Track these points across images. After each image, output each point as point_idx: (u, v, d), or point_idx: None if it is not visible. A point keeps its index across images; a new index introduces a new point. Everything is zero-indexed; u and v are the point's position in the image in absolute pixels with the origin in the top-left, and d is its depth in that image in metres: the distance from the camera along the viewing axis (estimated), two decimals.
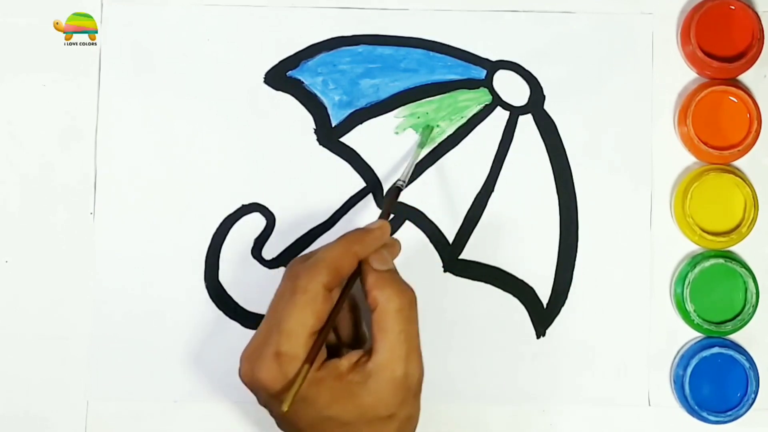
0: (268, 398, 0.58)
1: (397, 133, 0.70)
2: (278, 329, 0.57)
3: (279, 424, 0.60)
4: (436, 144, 0.70)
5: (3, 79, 0.70)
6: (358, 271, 0.60)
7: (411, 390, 0.58)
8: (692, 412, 0.67)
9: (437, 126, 0.70)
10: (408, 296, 0.59)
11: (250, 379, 0.58)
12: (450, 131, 0.70)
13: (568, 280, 0.69)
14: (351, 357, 0.58)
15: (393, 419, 0.58)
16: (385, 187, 0.70)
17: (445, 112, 0.70)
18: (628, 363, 0.69)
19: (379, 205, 0.70)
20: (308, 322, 0.57)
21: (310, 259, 0.59)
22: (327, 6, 0.71)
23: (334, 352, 0.59)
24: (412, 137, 0.70)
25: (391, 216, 0.66)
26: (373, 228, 0.62)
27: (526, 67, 0.71)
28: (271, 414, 0.59)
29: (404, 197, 0.70)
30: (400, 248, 0.64)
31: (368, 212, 0.69)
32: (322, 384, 0.57)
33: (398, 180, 0.66)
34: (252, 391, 0.59)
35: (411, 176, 0.69)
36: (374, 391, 0.57)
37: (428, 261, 0.70)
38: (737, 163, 0.70)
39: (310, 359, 0.56)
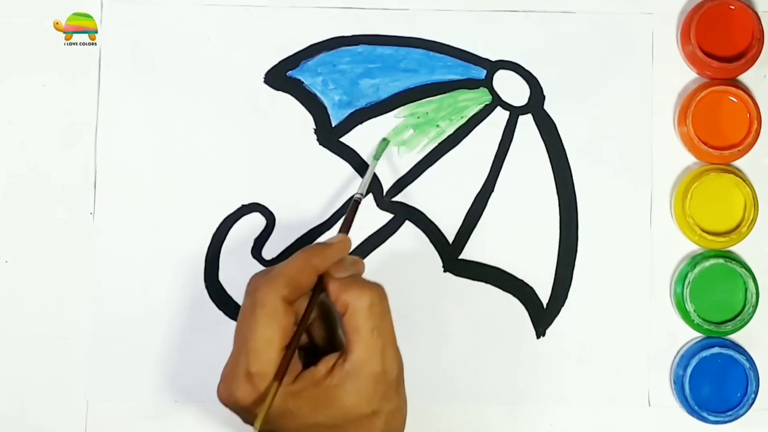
0: (248, 416, 0.58)
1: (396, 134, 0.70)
2: (245, 349, 0.57)
3: None
4: (436, 144, 0.70)
5: (3, 79, 0.70)
6: (321, 285, 0.60)
7: (391, 384, 0.58)
8: (692, 412, 0.67)
9: (437, 126, 0.70)
10: (377, 291, 0.59)
11: (227, 399, 0.58)
12: (450, 131, 0.70)
13: (568, 280, 0.69)
14: (327, 361, 0.58)
15: (378, 415, 0.57)
16: (385, 188, 0.70)
17: (445, 112, 0.70)
18: (628, 363, 0.69)
19: (379, 205, 0.70)
20: (274, 338, 0.57)
21: (269, 273, 0.59)
22: (327, 6, 0.71)
23: (314, 358, 0.59)
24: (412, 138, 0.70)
25: (384, 222, 0.66)
26: (333, 242, 0.61)
27: (526, 67, 0.71)
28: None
29: (404, 197, 0.70)
30: (363, 267, 0.63)
31: (368, 212, 0.69)
32: (300, 395, 0.57)
33: (356, 193, 0.66)
34: (231, 410, 0.59)
35: (409, 178, 0.69)
36: (354, 390, 0.57)
37: (428, 261, 0.70)
38: (737, 163, 0.70)
39: (279, 376, 0.56)
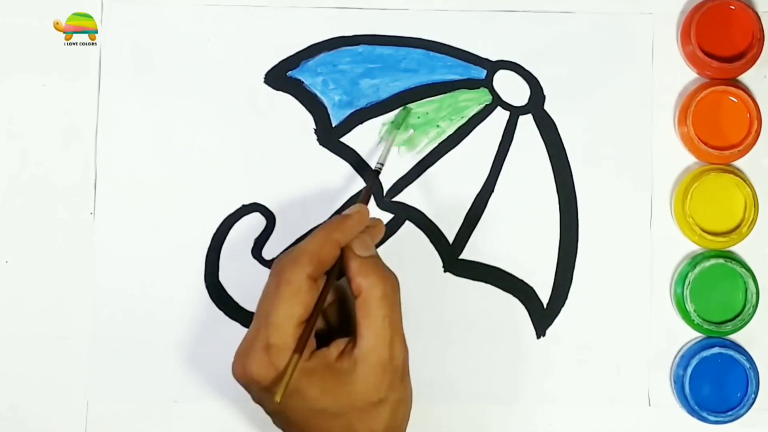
0: (261, 392, 0.58)
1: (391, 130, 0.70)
2: (266, 323, 0.58)
3: (273, 420, 0.60)
4: (436, 144, 0.70)
5: (3, 79, 0.70)
6: (342, 258, 0.60)
7: (397, 373, 0.59)
8: (692, 412, 0.67)
9: (437, 126, 0.70)
10: (391, 282, 0.59)
11: (242, 374, 0.58)
12: (450, 131, 0.70)
13: (568, 280, 0.69)
14: (338, 345, 0.59)
15: (384, 403, 0.58)
16: (385, 188, 0.70)
17: (446, 112, 0.70)
18: (628, 363, 0.69)
19: (379, 205, 0.70)
20: (295, 313, 0.57)
21: (293, 252, 0.60)
22: (327, 6, 0.71)
23: (325, 341, 0.60)
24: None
25: (384, 222, 0.66)
26: (351, 214, 0.62)
27: (526, 67, 0.71)
28: (265, 410, 0.59)
29: (404, 197, 0.70)
30: (383, 229, 0.65)
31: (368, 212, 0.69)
32: (313, 374, 0.57)
33: (377, 163, 0.67)
34: (245, 387, 0.59)
35: (409, 178, 0.69)
36: (363, 377, 0.57)
37: (428, 261, 0.70)
38: (737, 163, 0.70)
39: (299, 349, 0.57)
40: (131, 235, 0.69)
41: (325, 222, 0.61)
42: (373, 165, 0.70)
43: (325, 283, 0.60)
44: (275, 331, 0.57)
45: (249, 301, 0.69)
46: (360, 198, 0.65)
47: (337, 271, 0.60)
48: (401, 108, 0.70)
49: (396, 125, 0.69)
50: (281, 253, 0.61)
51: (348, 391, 0.57)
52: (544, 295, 0.69)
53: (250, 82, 0.70)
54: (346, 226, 0.61)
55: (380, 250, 0.69)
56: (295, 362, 0.56)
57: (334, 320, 0.63)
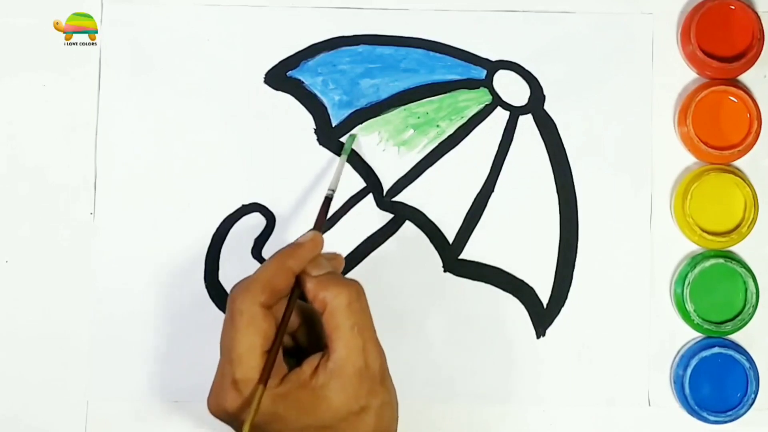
0: (239, 425, 0.58)
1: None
2: (229, 358, 0.57)
3: None
4: (436, 144, 0.70)
5: (3, 79, 0.70)
6: (298, 284, 0.60)
7: (375, 379, 0.58)
8: (692, 412, 0.67)
9: (437, 126, 0.70)
10: (354, 289, 0.59)
11: (216, 409, 0.58)
12: (450, 131, 0.70)
13: (568, 280, 0.69)
14: (311, 362, 0.58)
15: (367, 410, 0.57)
16: (385, 187, 0.70)
17: (445, 112, 0.70)
18: (628, 363, 0.69)
19: (378, 205, 0.70)
20: (255, 344, 0.57)
21: (246, 280, 0.59)
22: (327, 6, 0.71)
23: (299, 359, 0.59)
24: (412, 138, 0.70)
25: (384, 222, 0.66)
26: (304, 241, 0.61)
27: (526, 67, 0.71)
28: None
29: (404, 197, 0.70)
30: (342, 262, 0.64)
31: (368, 212, 0.69)
32: (287, 397, 0.57)
33: (328, 190, 0.66)
34: (222, 421, 0.59)
35: (409, 178, 0.69)
36: (340, 388, 0.57)
37: (428, 261, 0.70)
38: (737, 163, 0.70)
39: (262, 380, 0.56)
40: (131, 235, 0.69)
41: (278, 250, 0.60)
42: (373, 165, 0.70)
43: (284, 312, 0.59)
44: (239, 365, 0.56)
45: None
46: (314, 225, 0.64)
47: (295, 299, 0.59)
48: (348, 135, 0.69)
49: (344, 151, 0.68)
50: (236, 283, 0.60)
51: (327, 405, 0.57)
52: (544, 295, 0.69)
53: (250, 82, 0.70)
54: (298, 254, 0.60)
55: (380, 250, 0.69)
56: (259, 395, 0.56)
57: (305, 342, 0.62)
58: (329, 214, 0.67)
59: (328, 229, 0.69)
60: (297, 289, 0.60)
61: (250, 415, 0.55)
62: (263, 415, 0.56)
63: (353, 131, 0.70)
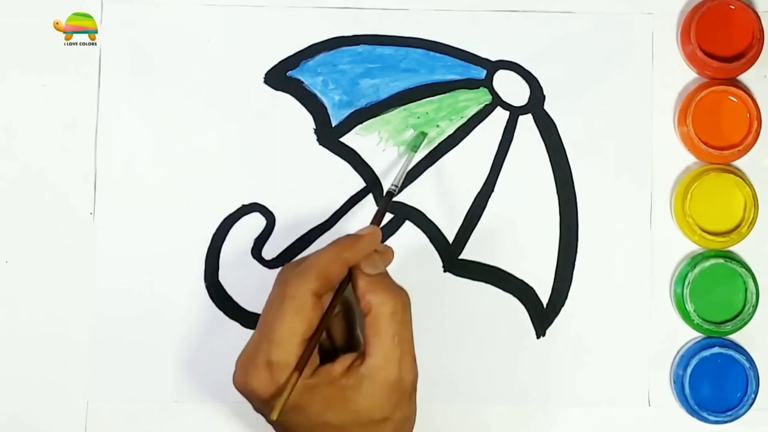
0: (261, 406, 0.58)
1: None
2: (269, 338, 0.57)
3: (276, 430, 0.60)
4: (436, 144, 0.70)
5: (3, 79, 0.70)
6: (349, 278, 0.60)
7: (405, 393, 0.58)
8: (692, 412, 0.67)
9: (437, 126, 0.70)
10: (402, 299, 0.59)
11: (243, 386, 0.58)
12: (450, 131, 0.70)
13: (568, 280, 0.69)
14: (344, 361, 0.58)
15: (388, 422, 0.58)
16: (385, 187, 0.70)
17: (445, 112, 0.70)
18: (628, 363, 0.69)
19: (378, 205, 0.70)
20: (298, 330, 0.57)
21: (300, 265, 0.59)
22: (327, 6, 0.71)
23: (329, 357, 0.59)
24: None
25: (384, 222, 0.66)
26: (363, 234, 0.61)
27: (526, 67, 0.71)
28: (266, 420, 0.59)
29: (404, 197, 0.70)
30: (393, 255, 0.64)
31: (368, 212, 0.69)
32: (314, 391, 0.57)
33: (391, 185, 0.66)
34: (246, 398, 0.59)
35: (409, 178, 0.69)
36: (368, 394, 0.57)
37: (428, 261, 0.70)
38: (737, 163, 0.70)
39: (299, 368, 0.56)
40: (131, 235, 0.69)
41: (336, 240, 0.61)
42: (374, 167, 0.70)
43: (330, 302, 0.59)
44: (277, 347, 0.57)
45: (249, 301, 0.69)
46: (374, 219, 0.64)
47: (343, 291, 0.60)
48: (418, 132, 0.70)
49: (413, 148, 0.69)
50: (288, 262, 0.61)
51: (352, 407, 0.57)
52: (544, 295, 0.69)
53: (250, 82, 0.70)
54: (356, 246, 0.60)
55: None
56: (293, 382, 0.56)
57: (337, 335, 0.63)
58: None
59: (327, 229, 0.69)
60: (346, 282, 0.60)
61: (280, 402, 0.55)
62: (288, 403, 0.56)
63: (423, 129, 0.70)
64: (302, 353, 0.57)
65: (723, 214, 0.69)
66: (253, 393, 0.57)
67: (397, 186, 0.66)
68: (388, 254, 0.64)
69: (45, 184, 0.70)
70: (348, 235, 0.62)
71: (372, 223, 0.64)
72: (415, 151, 0.69)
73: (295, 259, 0.62)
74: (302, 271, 0.58)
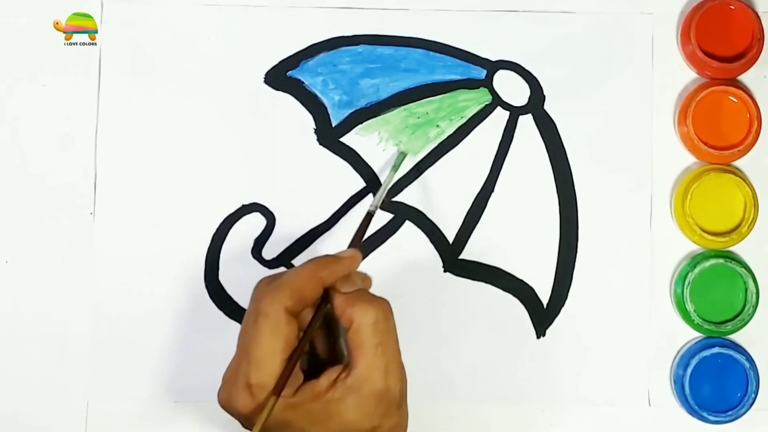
0: (246, 423, 0.58)
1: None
2: (247, 358, 0.56)
3: None
4: (436, 144, 0.70)
5: (3, 79, 0.70)
6: (326, 298, 0.59)
7: (393, 402, 0.57)
8: (692, 412, 0.67)
9: (437, 126, 0.70)
10: (382, 308, 0.58)
11: (226, 404, 0.58)
12: (450, 131, 0.70)
13: (568, 280, 0.69)
14: (330, 375, 0.57)
15: (377, 431, 0.57)
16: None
17: (445, 112, 0.70)
18: (628, 363, 0.69)
19: (379, 205, 0.70)
20: (276, 349, 0.56)
21: (275, 281, 0.58)
22: (327, 6, 0.71)
23: (313, 369, 0.59)
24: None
25: (384, 223, 0.66)
26: (342, 257, 0.60)
27: (526, 67, 0.71)
28: None
29: (404, 197, 0.70)
30: (371, 284, 0.63)
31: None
32: (299, 408, 0.56)
33: (371, 206, 0.66)
34: (232, 416, 0.58)
35: (409, 178, 0.69)
36: (355, 406, 0.56)
37: (428, 261, 0.70)
38: (737, 163, 0.70)
39: (277, 390, 0.56)
40: (131, 235, 0.69)
41: (314, 258, 0.60)
42: (374, 167, 0.70)
43: (310, 322, 0.58)
44: (256, 369, 0.56)
45: (249, 301, 0.69)
46: (353, 241, 0.64)
47: (322, 312, 0.59)
48: (399, 152, 0.69)
49: (393, 168, 0.69)
50: (264, 277, 0.60)
51: (339, 420, 0.56)
52: (544, 295, 0.69)
53: (250, 82, 0.70)
54: (334, 267, 0.59)
55: (380, 250, 0.69)
56: (271, 404, 0.55)
57: (321, 347, 0.62)
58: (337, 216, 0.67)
59: (327, 230, 0.69)
60: (325, 304, 0.59)
61: (257, 425, 0.55)
62: (273, 420, 0.56)
63: (399, 148, 0.69)
64: (281, 374, 0.56)
65: (723, 214, 0.69)
66: (237, 412, 0.57)
67: (376, 206, 0.66)
68: (366, 281, 0.63)
69: (45, 184, 0.70)
70: (326, 255, 0.61)
71: (351, 245, 0.63)
72: (395, 171, 0.69)
73: (271, 274, 0.61)
74: (276, 287, 0.57)
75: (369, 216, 0.65)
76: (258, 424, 0.55)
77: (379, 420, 0.57)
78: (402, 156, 0.69)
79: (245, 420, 0.57)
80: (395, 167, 0.69)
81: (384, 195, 0.67)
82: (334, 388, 0.57)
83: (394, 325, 0.58)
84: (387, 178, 0.68)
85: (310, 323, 0.58)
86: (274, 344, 0.56)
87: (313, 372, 0.58)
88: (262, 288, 0.59)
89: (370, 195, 0.70)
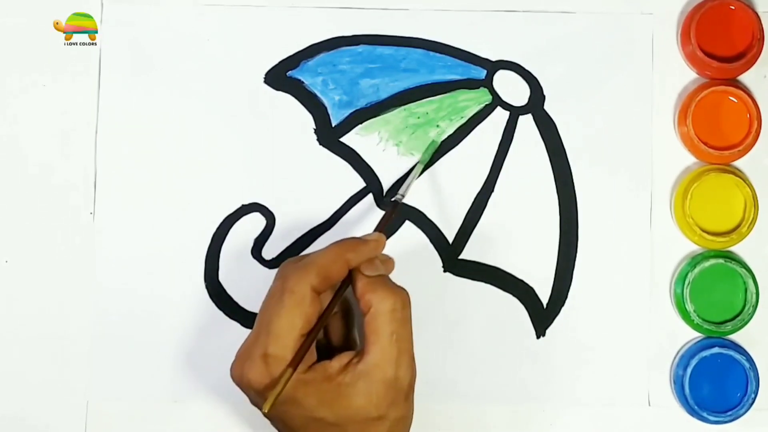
0: (256, 397, 0.58)
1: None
2: (267, 330, 0.57)
3: (272, 423, 0.60)
4: (436, 144, 0.70)
5: (3, 79, 0.70)
6: (349, 279, 0.60)
7: (402, 392, 0.58)
8: (692, 412, 0.67)
9: (437, 126, 0.70)
10: (401, 297, 0.59)
11: (239, 378, 0.59)
12: (450, 131, 0.70)
13: (568, 280, 0.69)
14: (342, 359, 0.58)
15: (383, 420, 0.58)
16: (385, 187, 0.70)
17: (445, 112, 0.70)
18: (628, 363, 0.69)
19: (379, 205, 0.70)
20: (296, 324, 0.57)
21: (301, 260, 0.60)
22: (327, 6, 0.71)
23: (326, 356, 0.59)
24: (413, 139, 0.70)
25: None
26: (368, 239, 0.62)
27: (526, 67, 0.71)
28: (262, 413, 0.59)
29: (404, 197, 0.70)
30: (393, 266, 0.64)
31: (368, 212, 0.69)
32: (310, 385, 0.57)
33: (398, 194, 0.67)
34: (242, 389, 0.59)
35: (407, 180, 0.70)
36: (364, 392, 0.57)
37: (428, 261, 0.70)
38: (737, 163, 0.70)
39: (294, 363, 0.57)
40: (131, 235, 0.69)
41: (340, 240, 0.61)
42: (374, 167, 0.70)
43: (331, 300, 0.59)
44: (275, 341, 0.57)
45: (249, 301, 0.69)
46: (378, 226, 0.65)
47: (344, 290, 0.60)
48: (430, 142, 0.70)
49: (422, 161, 0.69)
50: (289, 258, 0.62)
51: (347, 404, 0.57)
52: (544, 295, 0.69)
53: (250, 82, 0.70)
54: (360, 249, 0.61)
55: None
56: (287, 376, 0.56)
57: (335, 334, 0.63)
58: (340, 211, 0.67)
59: (327, 229, 0.69)
60: (345, 286, 0.60)
61: (272, 396, 0.56)
62: (283, 396, 0.56)
63: (434, 138, 0.70)
64: (299, 348, 0.57)
65: (723, 214, 0.69)
66: (249, 384, 0.58)
67: (403, 195, 0.67)
68: (389, 263, 0.64)
69: (45, 184, 0.70)
70: (353, 238, 0.62)
71: (376, 229, 0.64)
72: (424, 163, 0.69)
73: (297, 255, 0.62)
74: (303, 266, 0.59)
75: (395, 204, 0.66)
76: (273, 395, 0.55)
77: (386, 409, 0.57)
78: (434, 145, 0.69)
79: (256, 394, 0.58)
80: (423, 159, 0.69)
81: (411, 184, 0.68)
82: (345, 372, 0.57)
83: (411, 317, 0.59)
84: (417, 166, 0.68)
85: (331, 302, 0.59)
86: (296, 320, 0.57)
87: (325, 358, 0.59)
88: (289, 266, 0.60)
89: (371, 195, 0.70)
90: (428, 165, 0.70)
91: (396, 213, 0.67)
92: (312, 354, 0.58)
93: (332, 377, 0.57)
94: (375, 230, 0.64)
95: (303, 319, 0.57)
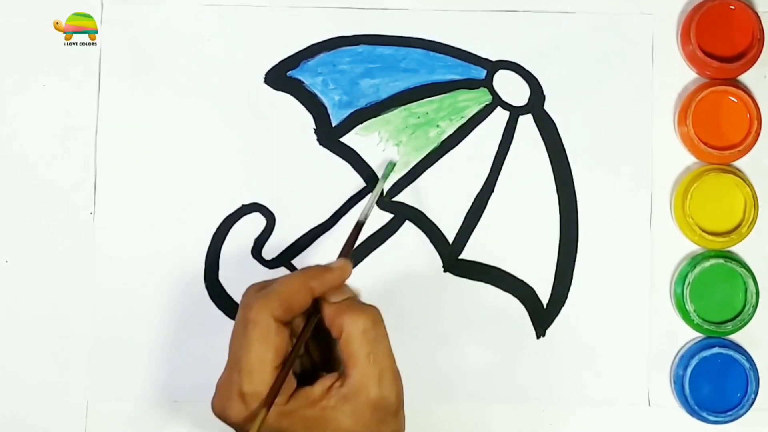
0: (242, 430, 0.57)
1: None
2: (239, 367, 0.56)
3: None
4: (436, 144, 0.70)
5: (3, 78, 0.70)
6: (316, 308, 0.59)
7: (390, 410, 0.57)
8: (692, 412, 0.67)
9: (437, 126, 0.70)
10: (371, 315, 0.58)
11: (221, 414, 0.58)
12: (450, 131, 0.70)
13: (568, 281, 0.69)
14: (324, 382, 0.57)
15: None
16: (385, 188, 0.70)
17: (445, 112, 0.70)
18: (628, 363, 0.69)
19: (379, 205, 0.70)
20: (267, 358, 0.56)
21: (264, 289, 0.58)
22: (327, 6, 0.71)
23: (308, 375, 0.58)
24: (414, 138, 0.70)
25: (384, 222, 0.66)
26: (333, 267, 0.60)
27: (526, 67, 0.71)
28: None
29: (404, 197, 0.70)
30: (358, 294, 0.62)
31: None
32: (293, 415, 0.56)
33: (360, 215, 0.65)
34: (227, 425, 0.58)
35: (409, 178, 0.69)
36: (351, 414, 0.56)
37: (428, 261, 0.70)
38: (737, 163, 0.70)
39: (268, 402, 0.55)
40: (131, 235, 0.69)
41: (304, 268, 0.60)
42: (374, 167, 0.70)
43: (301, 332, 0.58)
44: (248, 378, 0.56)
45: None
46: (342, 251, 0.63)
47: (314, 322, 0.59)
48: (388, 162, 0.69)
49: (383, 177, 0.68)
50: (254, 282, 0.60)
51: (335, 427, 0.56)
52: (544, 295, 0.69)
53: (250, 82, 0.70)
54: (324, 277, 0.59)
55: (380, 250, 0.69)
56: (263, 415, 0.55)
57: (315, 353, 0.62)
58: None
59: (327, 230, 0.69)
60: (315, 314, 0.59)
61: None
62: (268, 428, 0.55)
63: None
64: (273, 383, 0.56)
65: (723, 214, 0.69)
66: (230, 422, 0.57)
67: (366, 216, 0.65)
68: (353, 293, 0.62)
69: (45, 184, 0.70)
70: (317, 266, 0.60)
71: (341, 255, 0.63)
72: (385, 180, 0.68)
73: (261, 281, 0.60)
74: (264, 295, 0.57)
75: (359, 225, 0.64)
76: None
77: (376, 427, 0.57)
78: (391, 166, 0.69)
79: (239, 429, 0.57)
80: (385, 176, 0.69)
81: (373, 204, 0.67)
82: (328, 396, 0.56)
83: (385, 332, 0.58)
84: (377, 187, 0.68)
85: (300, 334, 0.58)
86: (265, 353, 0.56)
87: (308, 378, 0.58)
88: (251, 295, 0.58)
89: (369, 196, 0.70)
90: (432, 158, 0.70)
91: (358, 235, 0.64)
92: (291, 382, 0.57)
93: (316, 402, 0.56)
94: (339, 256, 0.62)
95: (272, 351, 0.56)
